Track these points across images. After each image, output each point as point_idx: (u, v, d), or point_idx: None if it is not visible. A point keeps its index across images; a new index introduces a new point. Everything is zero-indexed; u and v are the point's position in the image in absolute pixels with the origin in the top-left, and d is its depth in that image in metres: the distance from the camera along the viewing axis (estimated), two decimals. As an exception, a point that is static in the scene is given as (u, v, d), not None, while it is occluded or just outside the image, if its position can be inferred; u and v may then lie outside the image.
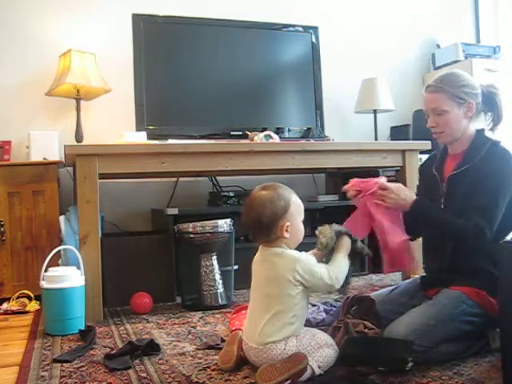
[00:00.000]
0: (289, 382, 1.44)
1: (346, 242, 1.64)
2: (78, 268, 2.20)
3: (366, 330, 1.69)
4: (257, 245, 1.64)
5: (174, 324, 2.20)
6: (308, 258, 1.59)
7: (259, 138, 2.82)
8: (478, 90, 1.78)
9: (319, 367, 1.50)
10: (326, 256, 1.63)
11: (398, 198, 1.75)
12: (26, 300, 2.57)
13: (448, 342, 1.58)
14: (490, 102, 1.81)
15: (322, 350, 1.53)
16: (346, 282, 1.64)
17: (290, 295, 1.52)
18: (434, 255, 1.83)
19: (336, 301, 2.33)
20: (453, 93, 1.75)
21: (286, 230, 1.54)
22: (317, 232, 1.66)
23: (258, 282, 1.60)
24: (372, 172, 3.23)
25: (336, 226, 1.66)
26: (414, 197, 1.79)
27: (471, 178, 1.72)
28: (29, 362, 1.74)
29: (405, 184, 2.54)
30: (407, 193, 1.78)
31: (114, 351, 1.78)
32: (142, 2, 3.29)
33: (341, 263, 1.60)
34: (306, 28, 3.40)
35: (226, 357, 1.61)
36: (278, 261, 1.55)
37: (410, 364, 1.47)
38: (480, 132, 1.83)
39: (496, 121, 1.84)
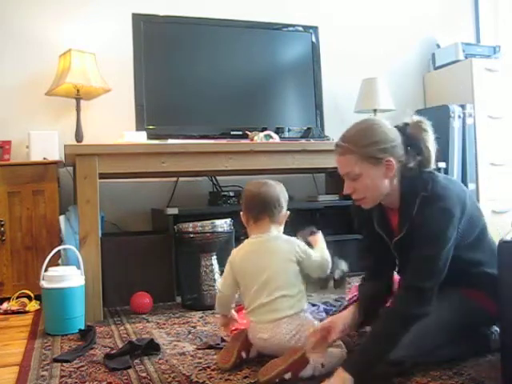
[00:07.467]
0: (289, 374, 1.45)
1: (319, 239, 1.79)
2: (78, 268, 2.20)
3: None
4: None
5: (174, 324, 2.20)
6: (300, 241, 1.72)
7: (259, 137, 2.82)
8: (396, 141, 1.51)
9: (322, 365, 1.49)
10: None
11: None
12: (26, 300, 2.57)
13: (448, 343, 1.57)
14: (416, 147, 1.53)
15: (328, 349, 1.54)
16: (342, 277, 1.71)
17: (295, 272, 1.64)
18: None
19: (336, 301, 2.33)
20: (363, 154, 1.48)
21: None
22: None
23: (261, 266, 1.65)
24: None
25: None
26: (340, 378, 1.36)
27: (413, 239, 1.50)
28: (29, 362, 1.74)
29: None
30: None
31: (114, 351, 1.78)
32: (142, 2, 3.29)
33: (325, 250, 1.74)
34: (306, 28, 3.40)
35: (225, 357, 1.61)
36: (280, 242, 1.67)
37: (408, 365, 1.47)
38: (406, 183, 1.54)
39: (424, 165, 1.54)
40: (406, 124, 1.56)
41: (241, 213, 1.76)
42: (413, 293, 1.43)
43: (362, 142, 1.49)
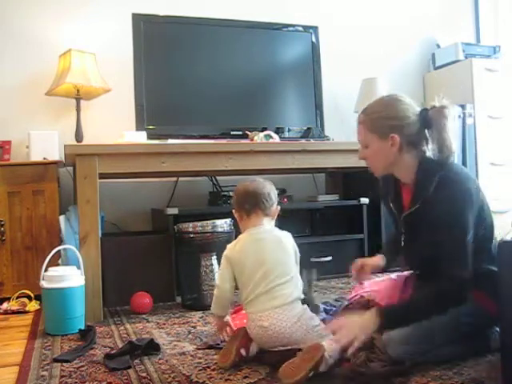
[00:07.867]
0: (312, 373, 1.45)
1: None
2: (78, 268, 2.20)
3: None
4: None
5: (174, 324, 2.20)
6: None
7: (259, 137, 2.82)
8: (410, 120, 1.59)
9: (330, 356, 1.49)
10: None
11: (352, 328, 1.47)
12: (26, 300, 2.57)
13: (448, 343, 1.57)
14: (433, 131, 1.60)
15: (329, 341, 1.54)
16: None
17: (291, 261, 1.71)
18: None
19: (336, 301, 2.33)
20: (372, 125, 1.63)
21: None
22: None
23: (259, 260, 1.67)
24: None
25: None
26: (371, 316, 1.49)
27: (427, 218, 1.58)
28: (29, 362, 1.74)
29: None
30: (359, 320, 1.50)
31: (114, 351, 1.78)
32: (142, 2, 3.29)
33: None
34: (306, 28, 3.40)
35: (225, 355, 1.62)
36: (275, 235, 1.74)
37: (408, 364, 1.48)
38: (424, 162, 1.62)
39: (438, 150, 1.58)
40: (433, 107, 1.61)
41: (233, 210, 1.80)
42: (447, 282, 1.51)
43: (375, 114, 1.63)
